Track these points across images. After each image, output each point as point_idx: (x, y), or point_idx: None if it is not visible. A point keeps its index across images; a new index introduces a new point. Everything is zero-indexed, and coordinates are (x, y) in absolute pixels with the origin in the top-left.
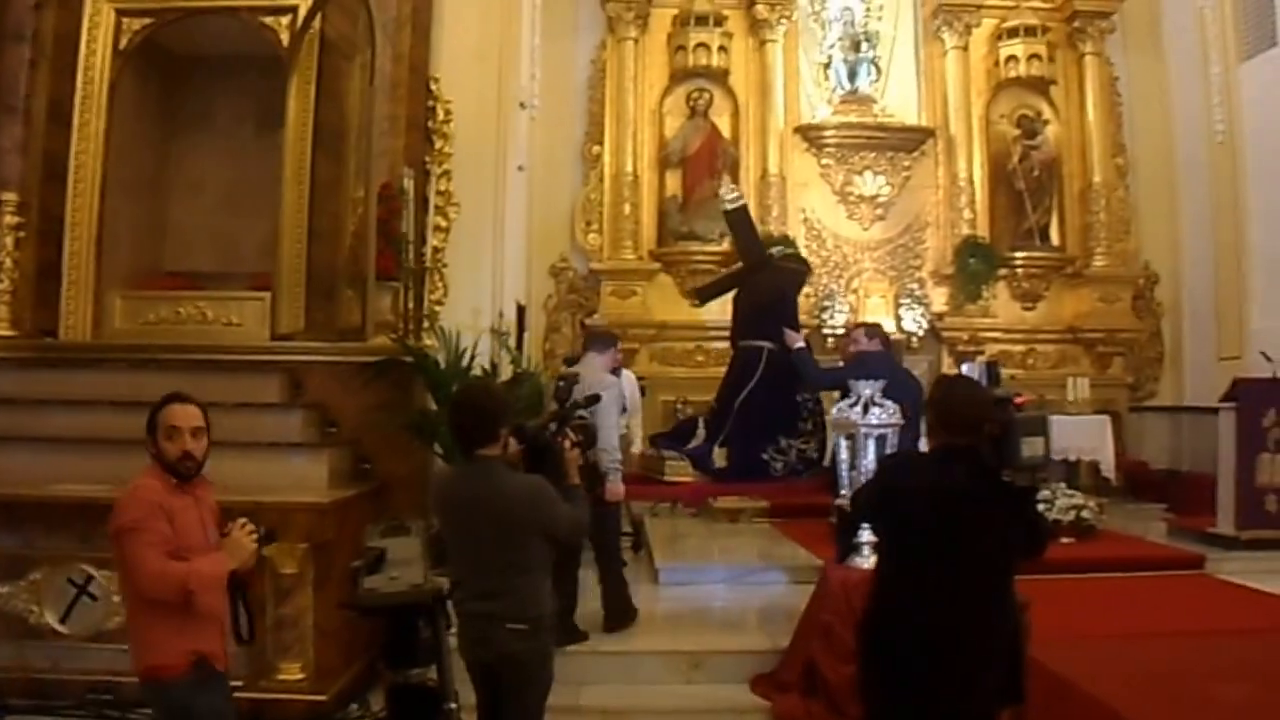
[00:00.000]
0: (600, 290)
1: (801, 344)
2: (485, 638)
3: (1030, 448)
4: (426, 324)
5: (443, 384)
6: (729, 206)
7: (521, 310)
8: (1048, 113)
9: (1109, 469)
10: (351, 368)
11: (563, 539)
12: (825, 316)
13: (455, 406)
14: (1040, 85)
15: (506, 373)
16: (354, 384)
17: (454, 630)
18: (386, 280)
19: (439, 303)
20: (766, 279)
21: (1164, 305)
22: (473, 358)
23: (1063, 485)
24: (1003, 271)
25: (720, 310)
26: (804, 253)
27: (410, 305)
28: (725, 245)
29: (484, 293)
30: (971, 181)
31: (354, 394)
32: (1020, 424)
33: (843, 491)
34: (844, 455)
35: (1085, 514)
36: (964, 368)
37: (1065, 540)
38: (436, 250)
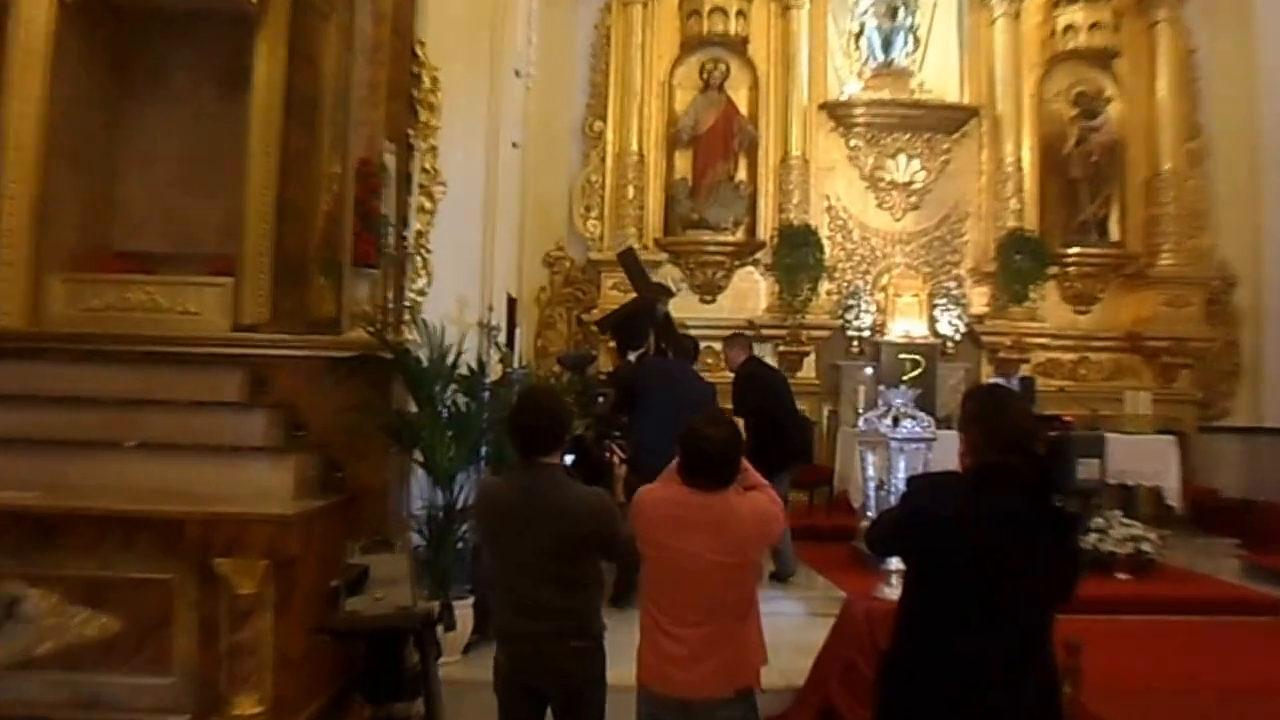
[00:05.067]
0: (600, 283)
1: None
2: (537, 657)
3: (1085, 470)
4: (407, 316)
5: (424, 383)
6: (616, 248)
7: (513, 303)
8: (1110, 90)
9: (1173, 497)
10: (322, 364)
11: (618, 558)
12: (849, 317)
13: (521, 408)
14: (1102, 58)
15: (496, 372)
16: (325, 382)
17: (444, 660)
18: (364, 267)
19: (421, 293)
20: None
21: (1242, 312)
22: (458, 355)
23: (1119, 513)
24: (1052, 270)
25: (736, 305)
26: (827, 245)
27: (390, 295)
28: (740, 235)
29: (472, 283)
30: (1019, 167)
31: (325, 393)
32: (1074, 443)
33: (869, 514)
34: (870, 472)
35: (1145, 547)
36: (996, 380)
37: (1122, 576)
38: (420, 234)
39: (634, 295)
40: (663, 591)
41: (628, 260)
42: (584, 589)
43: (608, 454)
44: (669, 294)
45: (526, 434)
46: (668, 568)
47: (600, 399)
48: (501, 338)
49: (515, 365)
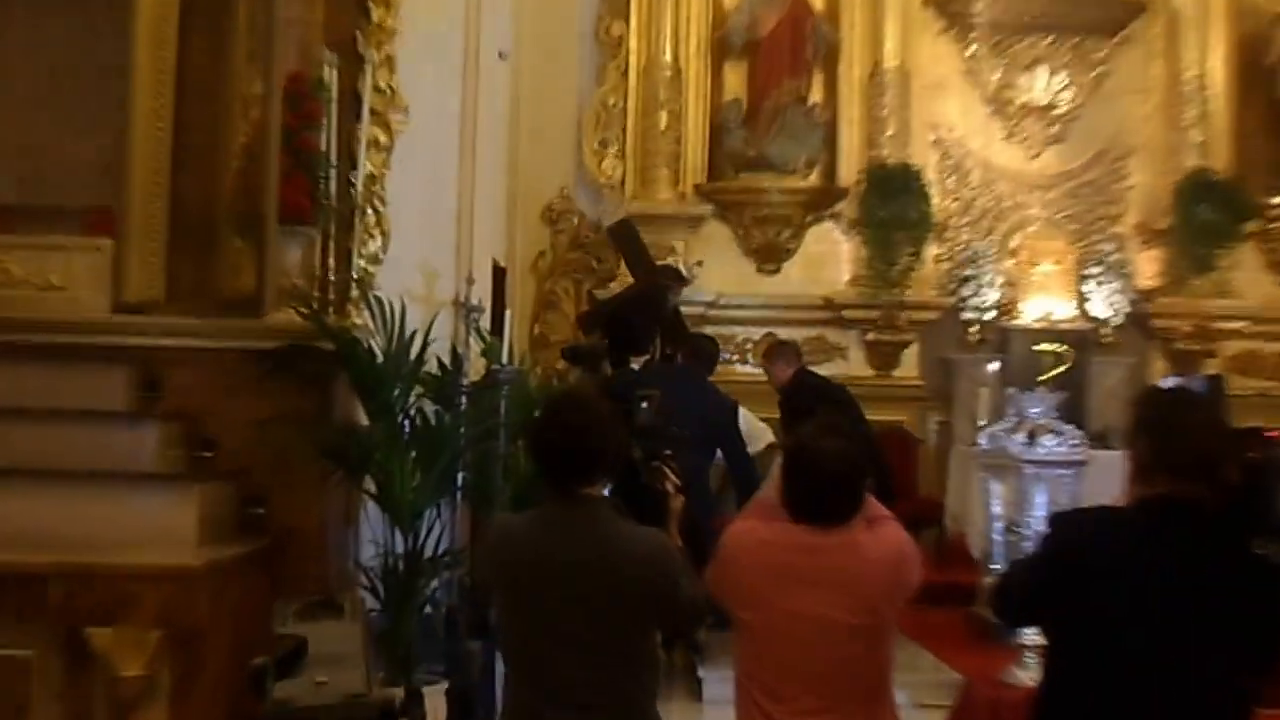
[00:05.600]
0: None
1: None
2: None
3: None
4: (356, 292)
5: (378, 385)
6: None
7: (500, 274)
8: None
9: None
10: (237, 359)
11: (679, 628)
12: (966, 294)
13: (548, 422)
14: None
15: (477, 369)
16: (242, 384)
17: None
18: (295, 224)
19: (375, 260)
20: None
21: None
22: (425, 346)
23: None
24: (1251, 227)
25: (807, 277)
26: (934, 194)
27: (332, 264)
28: (814, 179)
29: (443, 246)
30: (1204, 85)
31: (242, 399)
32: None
33: (994, 567)
34: (996, 508)
35: None
36: (1169, 381)
37: None
38: (373, 179)
39: (633, 282)
40: (769, 668)
41: (624, 235)
42: (640, 668)
43: (659, 480)
44: (681, 280)
45: (559, 457)
46: (776, 636)
47: (643, 404)
48: (485, 322)
49: (504, 360)
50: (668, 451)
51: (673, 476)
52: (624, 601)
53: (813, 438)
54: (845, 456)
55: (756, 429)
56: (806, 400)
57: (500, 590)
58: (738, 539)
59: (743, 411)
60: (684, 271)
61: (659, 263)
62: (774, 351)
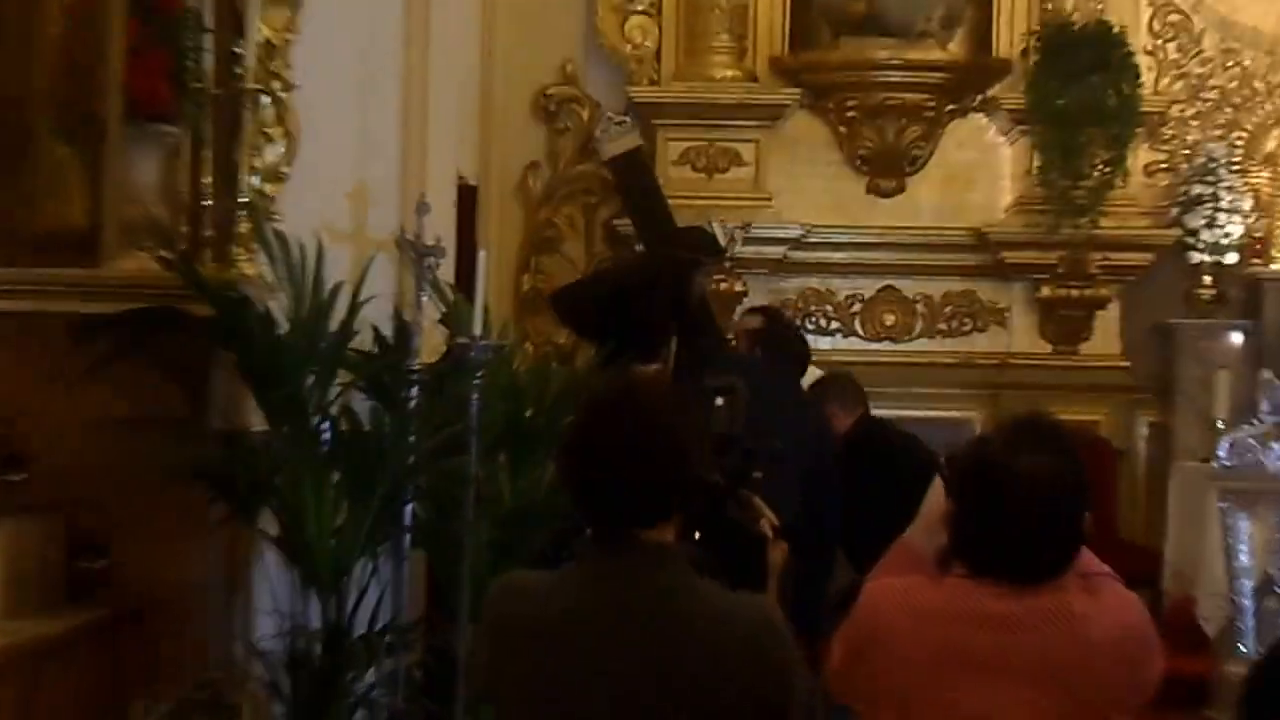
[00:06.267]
0: (656, 147)
1: None
2: None
3: None
4: (246, 226)
5: (283, 368)
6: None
7: (470, 198)
8: None
9: None
10: (61, 329)
11: None
12: (1193, 224)
13: (593, 430)
14: None
15: (433, 346)
16: (68, 368)
17: None
18: (150, 122)
19: (275, 178)
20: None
21: None
22: (355, 308)
23: None
24: None
25: (946, 201)
26: (1146, 69)
27: (208, 183)
28: (955, 49)
29: (381, 155)
30: None
31: (68, 392)
32: None
33: (1240, 649)
34: (1243, 558)
35: None
36: None
37: None
38: (271, 51)
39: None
40: None
41: (632, 174)
42: None
43: (752, 515)
44: (716, 252)
45: (611, 486)
46: None
47: (719, 399)
48: (447, 271)
49: (475, 331)
50: (757, 474)
51: (768, 512)
52: (711, 705)
53: (1005, 449)
54: (1058, 478)
55: None
56: (877, 462)
57: (506, 700)
58: (882, 606)
59: None
60: (720, 236)
61: (680, 224)
62: (828, 388)
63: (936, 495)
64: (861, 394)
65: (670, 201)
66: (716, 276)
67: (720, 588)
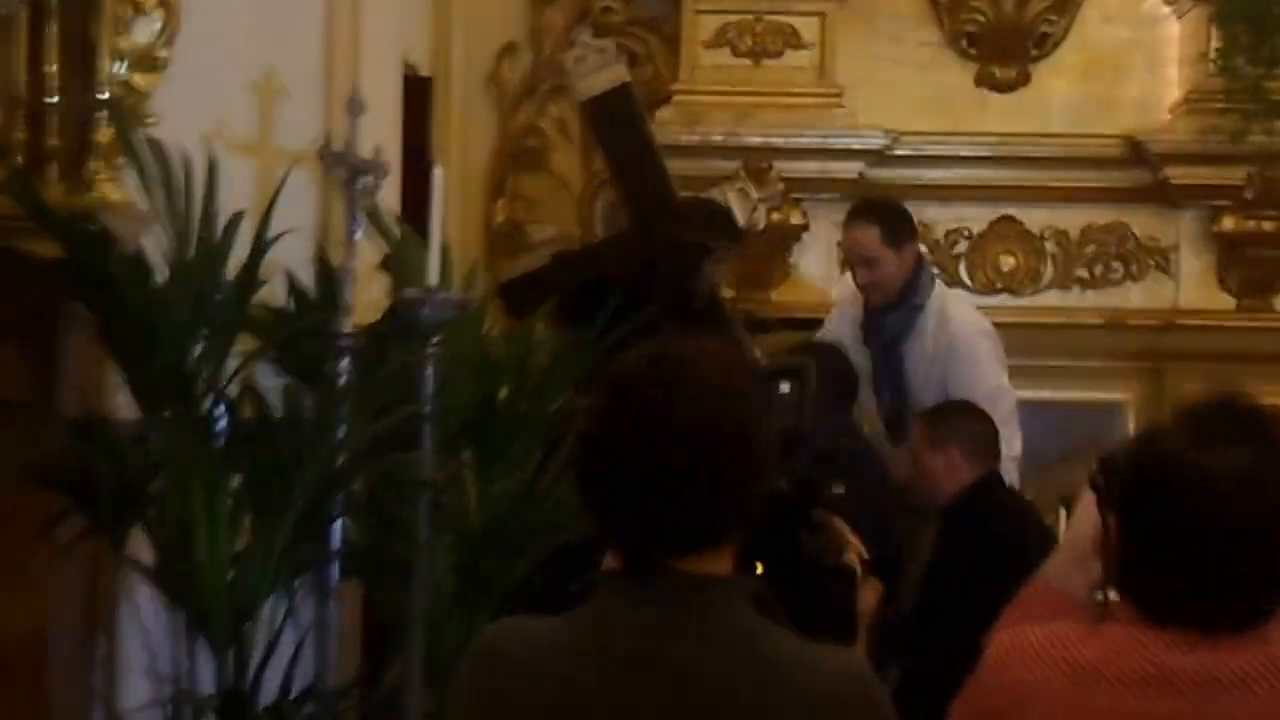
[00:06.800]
0: (681, 25)
1: None
2: None
3: None
4: (108, 134)
5: (161, 331)
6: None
7: (421, 92)
8: None
9: None
10: None
11: None
12: None
13: (613, 414)
14: None
15: (370, 300)
16: None
17: None
18: None
19: (149, 64)
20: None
21: None
22: (262, 247)
23: None
24: None
25: (1083, 105)
26: None
27: (54, 71)
28: None
29: (297, 33)
30: None
31: None
32: None
33: None
34: None
35: None
36: None
37: None
38: None
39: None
40: None
41: (616, 125)
42: None
43: (833, 545)
44: (731, 234)
45: (644, 496)
46: None
47: (782, 384)
48: (390, 195)
49: (432, 277)
50: (839, 490)
51: (854, 540)
52: None
53: (1188, 444)
54: (1267, 484)
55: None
56: (989, 539)
57: None
58: (1026, 661)
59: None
60: (738, 212)
61: (684, 193)
62: (939, 426)
63: (1087, 513)
64: (996, 444)
65: (702, 101)
66: (765, 211)
67: (801, 639)
